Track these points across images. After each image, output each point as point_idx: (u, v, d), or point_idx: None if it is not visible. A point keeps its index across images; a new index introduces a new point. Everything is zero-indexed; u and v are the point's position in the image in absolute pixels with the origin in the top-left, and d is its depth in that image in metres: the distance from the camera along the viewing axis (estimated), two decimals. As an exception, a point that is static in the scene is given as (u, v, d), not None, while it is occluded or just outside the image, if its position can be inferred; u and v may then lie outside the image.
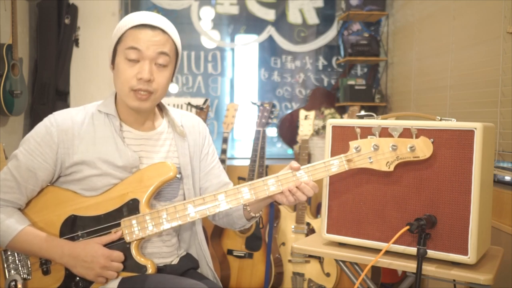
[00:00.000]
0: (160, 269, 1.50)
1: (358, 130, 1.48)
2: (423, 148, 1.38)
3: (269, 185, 1.43)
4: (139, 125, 1.53)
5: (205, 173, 1.64)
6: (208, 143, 1.67)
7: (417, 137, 1.40)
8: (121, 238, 1.43)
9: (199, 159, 1.63)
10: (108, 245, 1.43)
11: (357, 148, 1.43)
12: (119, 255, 1.40)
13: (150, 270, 1.43)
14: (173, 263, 1.57)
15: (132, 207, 1.44)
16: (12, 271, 1.45)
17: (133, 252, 1.43)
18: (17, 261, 1.47)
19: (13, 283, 1.43)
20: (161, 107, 1.62)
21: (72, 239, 1.45)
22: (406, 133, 1.44)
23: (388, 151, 1.40)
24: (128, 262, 1.43)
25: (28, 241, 1.41)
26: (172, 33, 1.46)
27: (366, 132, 1.56)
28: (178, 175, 1.47)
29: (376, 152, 1.41)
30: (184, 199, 1.56)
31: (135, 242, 1.43)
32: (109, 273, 1.39)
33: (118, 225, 1.44)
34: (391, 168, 1.41)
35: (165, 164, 1.47)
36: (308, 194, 1.43)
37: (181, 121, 1.61)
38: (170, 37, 1.45)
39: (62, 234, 1.45)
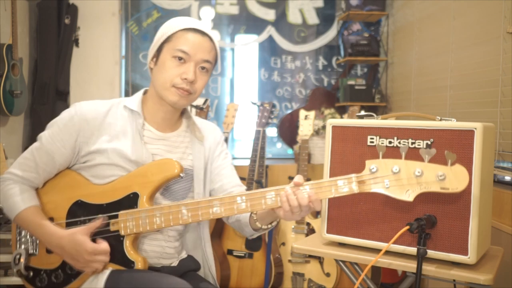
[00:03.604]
0: (156, 270, 1.49)
1: (382, 150, 1.30)
2: (453, 180, 1.16)
3: (267, 198, 1.35)
4: (161, 126, 1.57)
5: (216, 174, 1.64)
6: (221, 147, 1.68)
7: (453, 164, 1.17)
8: (116, 230, 1.44)
9: (211, 164, 1.64)
10: (104, 236, 1.44)
11: (372, 169, 1.24)
12: (104, 248, 1.41)
13: (139, 267, 1.42)
14: (172, 265, 1.56)
15: (131, 201, 1.45)
16: (23, 245, 1.53)
17: (126, 246, 1.44)
18: (27, 236, 1.54)
19: (18, 256, 1.51)
20: (182, 110, 1.65)
21: (76, 223, 1.48)
22: (439, 157, 1.25)
23: (411, 177, 1.20)
24: (119, 255, 1.44)
25: (27, 222, 1.47)
26: (216, 43, 1.57)
27: (365, 132, 1.56)
28: (181, 174, 1.46)
29: (396, 176, 1.22)
30: None
31: (130, 236, 1.44)
32: (95, 266, 1.41)
33: (117, 216, 1.45)
34: (411, 198, 1.21)
35: (170, 161, 1.47)
36: (312, 206, 1.31)
37: (200, 126, 1.65)
38: (214, 46, 1.55)
39: (68, 217, 1.50)
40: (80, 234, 1.41)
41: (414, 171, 1.20)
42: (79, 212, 1.48)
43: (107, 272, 1.42)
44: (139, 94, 1.58)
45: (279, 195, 1.34)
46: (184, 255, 1.62)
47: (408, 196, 1.21)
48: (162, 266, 1.53)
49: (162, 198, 1.52)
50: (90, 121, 1.48)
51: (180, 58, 1.48)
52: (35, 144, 1.52)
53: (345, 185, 1.28)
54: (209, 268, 1.63)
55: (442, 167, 1.17)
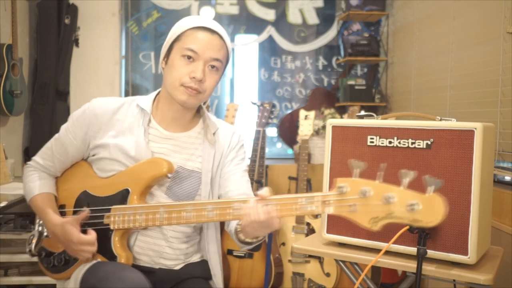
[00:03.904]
0: (152, 271, 1.49)
1: (360, 167, 1.08)
2: (428, 211, 0.99)
3: (234, 209, 1.30)
4: (171, 126, 1.56)
5: (225, 179, 1.60)
6: (236, 153, 1.64)
7: (436, 191, 1.01)
8: (107, 224, 1.47)
9: (222, 168, 1.61)
10: (96, 228, 1.48)
11: (341, 188, 1.09)
12: (89, 239, 1.45)
13: (122, 262, 1.44)
14: (176, 268, 1.54)
15: (123, 197, 1.48)
16: (40, 228, 1.61)
17: (114, 240, 1.46)
18: None
19: (31, 237, 1.60)
20: (200, 112, 1.64)
21: (80, 212, 1.53)
22: (417, 185, 1.03)
23: (378, 203, 1.03)
24: (106, 249, 1.47)
25: (36, 207, 1.58)
26: (227, 41, 1.53)
27: (365, 132, 1.56)
28: (169, 174, 1.46)
29: (364, 200, 1.05)
30: None
31: (119, 231, 1.46)
32: (82, 254, 1.47)
33: (109, 210, 1.48)
34: (376, 227, 1.03)
35: (159, 160, 1.48)
36: (270, 223, 1.23)
37: (216, 129, 1.62)
38: (225, 44, 1.52)
39: (76, 205, 1.57)
40: (69, 224, 1.47)
41: (383, 197, 1.02)
42: (84, 202, 1.55)
43: (92, 263, 1.46)
44: (153, 93, 1.61)
45: (242, 208, 1.28)
46: (196, 259, 1.60)
47: (372, 224, 1.04)
48: (160, 268, 1.51)
49: (165, 198, 1.51)
50: (99, 116, 1.53)
51: (189, 57, 1.47)
52: (55, 135, 1.61)
53: (308, 204, 1.17)
54: (213, 276, 1.59)
55: (416, 195, 1.00)
